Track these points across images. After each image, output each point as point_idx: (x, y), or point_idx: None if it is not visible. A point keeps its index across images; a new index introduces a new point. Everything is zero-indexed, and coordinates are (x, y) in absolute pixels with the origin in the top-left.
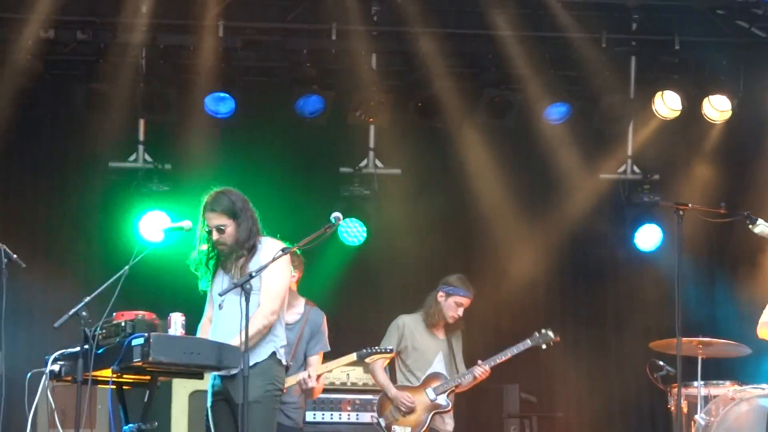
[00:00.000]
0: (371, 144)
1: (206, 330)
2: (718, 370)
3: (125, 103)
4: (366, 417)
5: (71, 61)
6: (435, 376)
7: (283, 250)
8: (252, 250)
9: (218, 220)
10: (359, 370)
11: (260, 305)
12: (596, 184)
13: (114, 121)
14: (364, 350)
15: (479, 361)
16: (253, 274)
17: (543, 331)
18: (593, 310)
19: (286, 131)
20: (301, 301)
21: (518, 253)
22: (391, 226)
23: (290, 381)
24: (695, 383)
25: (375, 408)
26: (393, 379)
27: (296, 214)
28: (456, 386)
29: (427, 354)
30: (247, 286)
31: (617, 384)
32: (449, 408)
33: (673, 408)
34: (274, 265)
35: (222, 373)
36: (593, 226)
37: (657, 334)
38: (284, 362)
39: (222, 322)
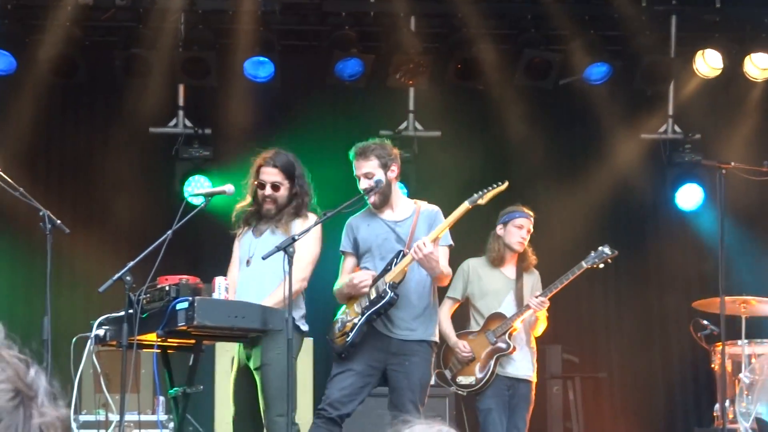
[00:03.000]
0: (411, 106)
1: (233, 287)
2: (761, 328)
3: (165, 69)
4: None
5: (110, 28)
6: (496, 317)
7: (324, 214)
8: (299, 216)
9: (276, 176)
10: None
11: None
12: (637, 145)
13: (154, 87)
14: (475, 194)
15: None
16: (296, 237)
17: (599, 248)
18: (635, 270)
19: (325, 95)
20: (408, 201)
21: (559, 214)
22: (431, 188)
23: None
24: (739, 342)
25: (439, 361)
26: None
27: (335, 177)
28: (514, 320)
29: (496, 295)
30: (290, 250)
31: (660, 344)
32: (510, 349)
33: (716, 367)
34: (309, 234)
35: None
36: (634, 187)
37: (700, 294)
38: (303, 328)
39: (249, 281)
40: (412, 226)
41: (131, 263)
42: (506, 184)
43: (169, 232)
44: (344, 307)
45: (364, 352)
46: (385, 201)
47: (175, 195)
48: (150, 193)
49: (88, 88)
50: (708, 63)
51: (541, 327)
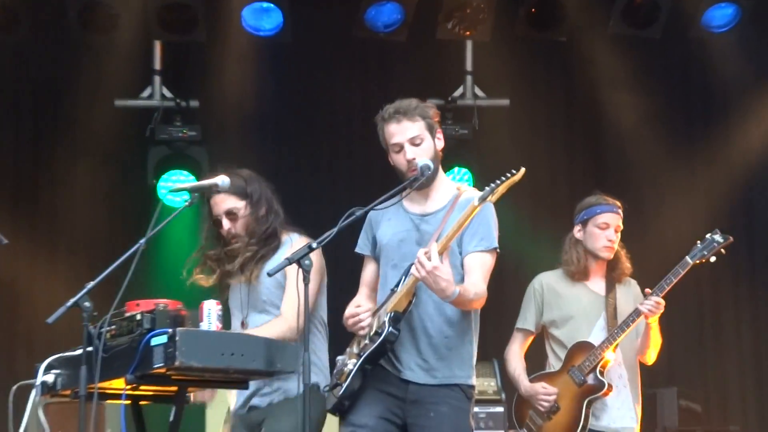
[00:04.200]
0: (468, 66)
1: None
2: None
3: (135, 21)
4: None
5: None
6: (580, 347)
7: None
8: (272, 246)
9: (227, 202)
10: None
11: (282, 313)
12: None
13: (121, 46)
14: (486, 187)
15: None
16: (313, 245)
17: (707, 237)
18: None
19: (352, 52)
20: (449, 185)
21: (669, 203)
22: (497, 175)
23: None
24: None
25: (511, 418)
26: (543, 366)
27: (369, 163)
28: (604, 351)
29: (585, 319)
30: (306, 262)
31: None
32: (605, 390)
33: None
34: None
35: (255, 401)
36: None
37: None
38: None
39: None
40: (441, 223)
41: (91, 284)
42: (522, 171)
43: (142, 241)
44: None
45: (376, 401)
46: (431, 180)
47: (149, 191)
48: (116, 189)
49: (33, 48)
50: None
51: (655, 349)
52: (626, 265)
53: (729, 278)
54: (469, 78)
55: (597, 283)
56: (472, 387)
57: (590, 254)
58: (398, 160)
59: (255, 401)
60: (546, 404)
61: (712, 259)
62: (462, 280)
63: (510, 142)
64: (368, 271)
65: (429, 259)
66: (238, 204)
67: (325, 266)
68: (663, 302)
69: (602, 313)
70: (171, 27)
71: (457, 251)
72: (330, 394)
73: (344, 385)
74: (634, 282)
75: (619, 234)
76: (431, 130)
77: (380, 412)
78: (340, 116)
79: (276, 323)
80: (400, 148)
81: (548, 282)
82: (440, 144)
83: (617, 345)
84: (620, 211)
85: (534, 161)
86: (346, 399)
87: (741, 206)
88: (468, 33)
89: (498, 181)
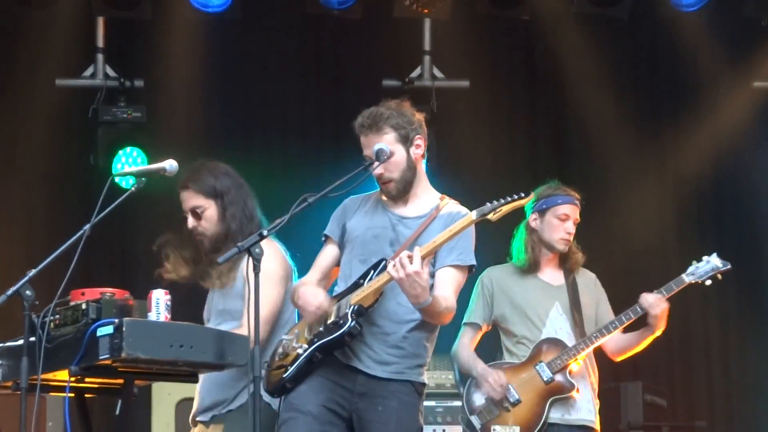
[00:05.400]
0: (427, 46)
1: None
2: None
3: None
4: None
5: None
6: (549, 343)
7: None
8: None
9: (192, 199)
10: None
11: (242, 324)
12: (749, 95)
13: (62, 21)
14: (488, 204)
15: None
16: (264, 233)
17: (705, 259)
18: (748, 271)
19: (305, 31)
20: (432, 195)
21: (635, 190)
22: (456, 160)
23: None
24: None
25: (463, 404)
26: (495, 358)
27: (321, 147)
28: (579, 354)
29: (537, 312)
30: (257, 250)
31: None
32: (575, 388)
33: None
34: (263, 274)
35: (202, 417)
36: (744, 153)
37: None
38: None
39: None
40: (419, 228)
41: (33, 272)
42: (531, 196)
43: (87, 227)
44: (297, 323)
45: (322, 388)
46: (404, 191)
47: (92, 175)
48: (58, 173)
49: None
50: None
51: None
52: (578, 255)
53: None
54: (427, 58)
55: (548, 274)
56: (424, 384)
57: (545, 245)
58: (374, 171)
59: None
60: (497, 390)
61: (708, 282)
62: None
63: (470, 126)
64: (326, 255)
65: (411, 262)
66: (203, 203)
67: (293, 269)
68: (666, 303)
69: (555, 303)
70: (114, 2)
71: (431, 262)
72: (269, 373)
73: (290, 369)
74: (588, 271)
75: (575, 226)
76: (405, 141)
77: (325, 401)
78: (292, 97)
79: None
80: (369, 161)
81: (497, 276)
82: (417, 152)
83: (596, 345)
84: (578, 203)
85: (494, 145)
86: (290, 382)
87: (710, 195)
88: (426, 11)
89: (502, 200)
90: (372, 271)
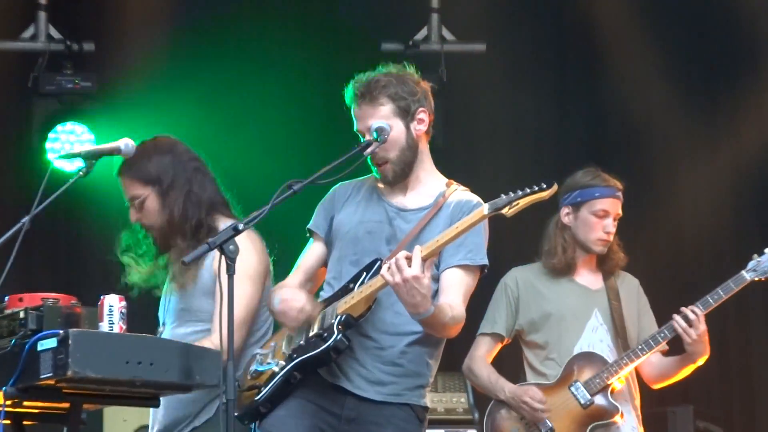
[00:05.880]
0: (435, 3)
1: None
2: None
3: None
4: None
5: None
6: (584, 359)
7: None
8: (197, 237)
9: (132, 188)
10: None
11: (212, 331)
12: None
13: None
14: (503, 196)
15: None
16: (240, 226)
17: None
18: None
19: None
20: (438, 181)
21: (685, 176)
22: (469, 138)
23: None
24: None
25: None
26: (516, 381)
27: (309, 124)
28: (621, 370)
29: (570, 320)
30: (231, 247)
31: None
32: (619, 412)
33: None
34: (241, 256)
35: None
36: None
37: None
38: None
39: None
40: (421, 222)
41: None
42: (554, 188)
43: (25, 219)
44: (274, 335)
45: (303, 413)
46: (403, 175)
47: (34, 156)
48: None
49: None
50: None
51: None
52: (620, 255)
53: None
54: (435, 17)
55: (585, 277)
56: (426, 409)
57: (579, 245)
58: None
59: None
60: (533, 412)
61: None
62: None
63: (485, 98)
64: (312, 254)
65: (409, 264)
66: (141, 191)
67: (270, 267)
68: (703, 321)
69: (594, 311)
70: None
71: (434, 263)
72: (239, 395)
73: (264, 390)
74: (630, 276)
75: (616, 223)
76: (405, 114)
77: (308, 428)
78: (274, 64)
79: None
80: (362, 135)
81: (524, 278)
82: (420, 128)
83: (639, 361)
84: (621, 195)
85: (515, 122)
86: (264, 405)
87: None
88: None
89: (520, 192)
90: (364, 274)
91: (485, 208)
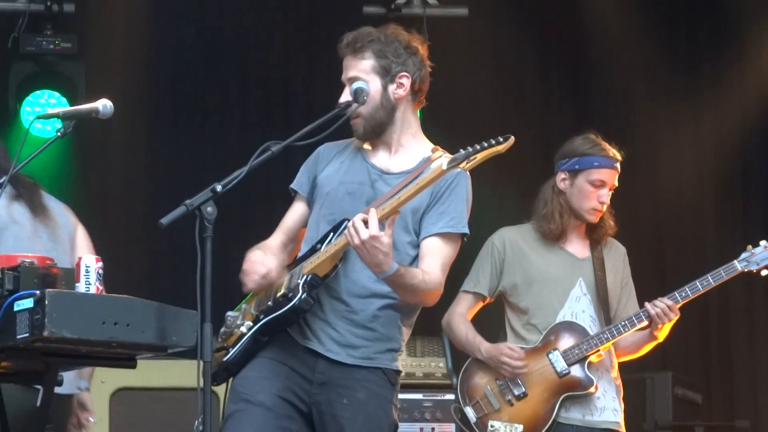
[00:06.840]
0: None
1: None
2: None
3: None
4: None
5: None
6: (565, 328)
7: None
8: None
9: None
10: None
11: None
12: None
13: None
14: (461, 150)
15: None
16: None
17: (762, 244)
18: None
19: None
20: (424, 146)
21: (667, 141)
22: (452, 104)
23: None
24: None
25: (457, 391)
26: (494, 340)
27: (289, 88)
28: (602, 345)
29: (554, 288)
30: (209, 209)
31: None
32: (592, 387)
33: None
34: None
35: None
36: None
37: None
38: None
39: None
40: (399, 185)
41: None
42: (511, 141)
43: (4, 179)
44: (247, 296)
45: (275, 375)
46: (373, 133)
47: (11, 118)
48: None
49: None
50: None
51: (647, 347)
52: (610, 223)
53: (740, 240)
54: None
55: (573, 245)
56: (398, 372)
57: (572, 212)
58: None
59: None
60: (511, 368)
61: (764, 272)
62: (410, 263)
63: (467, 63)
64: (293, 214)
65: (367, 226)
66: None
67: None
68: (677, 311)
69: (579, 280)
70: None
71: (411, 228)
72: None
73: (232, 351)
74: (618, 243)
75: (611, 193)
76: (384, 74)
77: (280, 390)
78: (255, 28)
79: None
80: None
81: (513, 239)
82: (400, 92)
83: (618, 338)
84: (618, 166)
85: (497, 88)
86: (233, 366)
87: (757, 154)
88: None
89: (477, 146)
90: (332, 234)
91: (444, 163)
